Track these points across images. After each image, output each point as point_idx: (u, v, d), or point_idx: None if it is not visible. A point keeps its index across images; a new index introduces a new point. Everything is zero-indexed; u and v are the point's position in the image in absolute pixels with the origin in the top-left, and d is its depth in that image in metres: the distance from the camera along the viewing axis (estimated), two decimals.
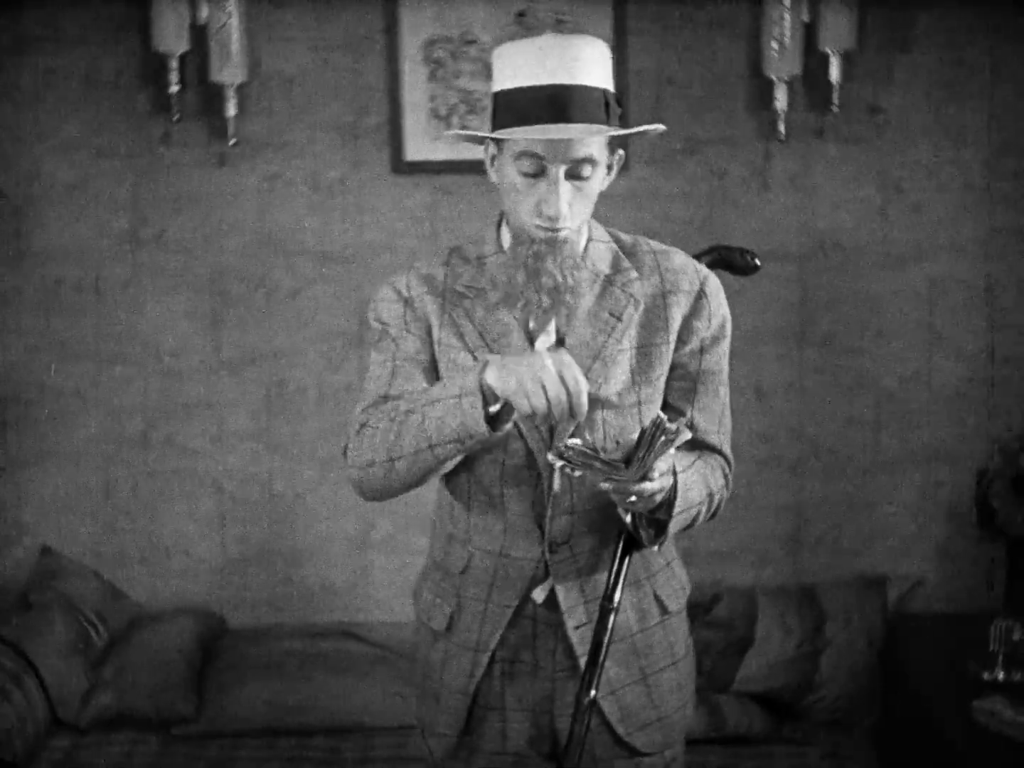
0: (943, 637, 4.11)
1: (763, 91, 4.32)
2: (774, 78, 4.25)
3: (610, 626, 2.44)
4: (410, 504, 4.28)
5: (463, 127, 4.25)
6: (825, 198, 4.41)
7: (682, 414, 2.46)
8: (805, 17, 4.24)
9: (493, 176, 2.45)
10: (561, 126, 2.32)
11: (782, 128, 4.30)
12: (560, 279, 2.41)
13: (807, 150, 4.40)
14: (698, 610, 4.34)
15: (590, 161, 2.36)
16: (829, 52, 4.24)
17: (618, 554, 2.47)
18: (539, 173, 2.38)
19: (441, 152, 4.25)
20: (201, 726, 4.09)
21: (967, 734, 3.52)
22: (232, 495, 4.58)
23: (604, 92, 2.38)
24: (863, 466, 4.49)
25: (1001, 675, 3.74)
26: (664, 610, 2.57)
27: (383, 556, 4.55)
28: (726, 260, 2.77)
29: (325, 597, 4.60)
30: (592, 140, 2.35)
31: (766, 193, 4.41)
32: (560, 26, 3.96)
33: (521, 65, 2.37)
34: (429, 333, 2.51)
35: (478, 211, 4.18)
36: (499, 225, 2.51)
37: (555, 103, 2.34)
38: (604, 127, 2.35)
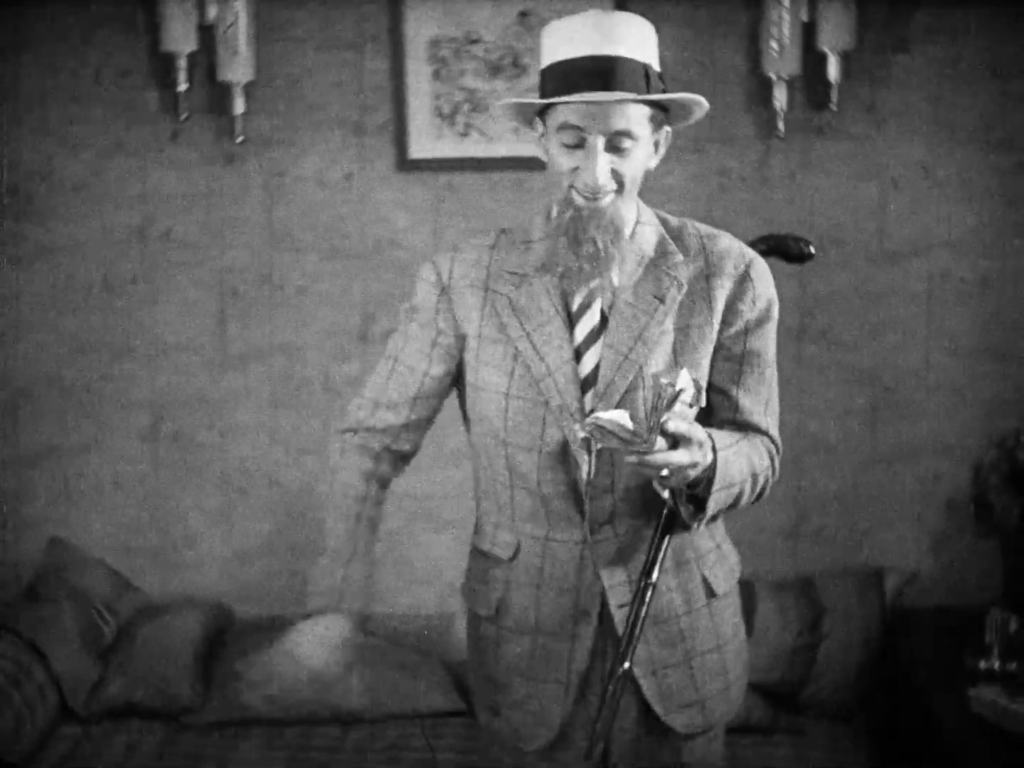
0: (940, 629, 4.13)
1: (763, 90, 4.33)
2: (773, 77, 4.25)
3: (648, 600, 2.45)
4: (415, 499, 4.30)
5: (467, 125, 4.28)
6: (824, 195, 4.41)
7: (728, 396, 2.48)
8: (804, 17, 4.23)
9: (543, 155, 2.47)
10: (599, 94, 2.34)
11: (781, 126, 4.30)
12: (600, 245, 2.42)
13: (806, 148, 4.40)
14: None
15: (628, 134, 2.37)
16: (828, 52, 4.23)
17: (658, 531, 2.47)
18: (579, 144, 2.39)
19: (445, 150, 4.28)
20: (208, 716, 4.11)
21: (963, 723, 3.57)
22: (239, 487, 4.59)
23: (646, 67, 2.39)
24: (861, 460, 4.50)
25: (997, 664, 3.76)
26: (711, 592, 2.58)
27: (388, 550, 4.45)
28: (780, 249, 2.77)
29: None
30: (631, 113, 2.36)
31: (766, 190, 4.41)
32: None
33: (566, 39, 2.40)
34: (459, 327, 2.55)
35: (481, 207, 4.29)
36: (548, 213, 2.52)
37: (595, 72, 2.37)
38: (638, 96, 2.35)
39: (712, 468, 2.33)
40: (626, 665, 2.43)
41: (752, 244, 2.70)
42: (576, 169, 2.39)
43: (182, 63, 4.29)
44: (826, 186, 4.40)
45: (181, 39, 4.26)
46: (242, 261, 4.51)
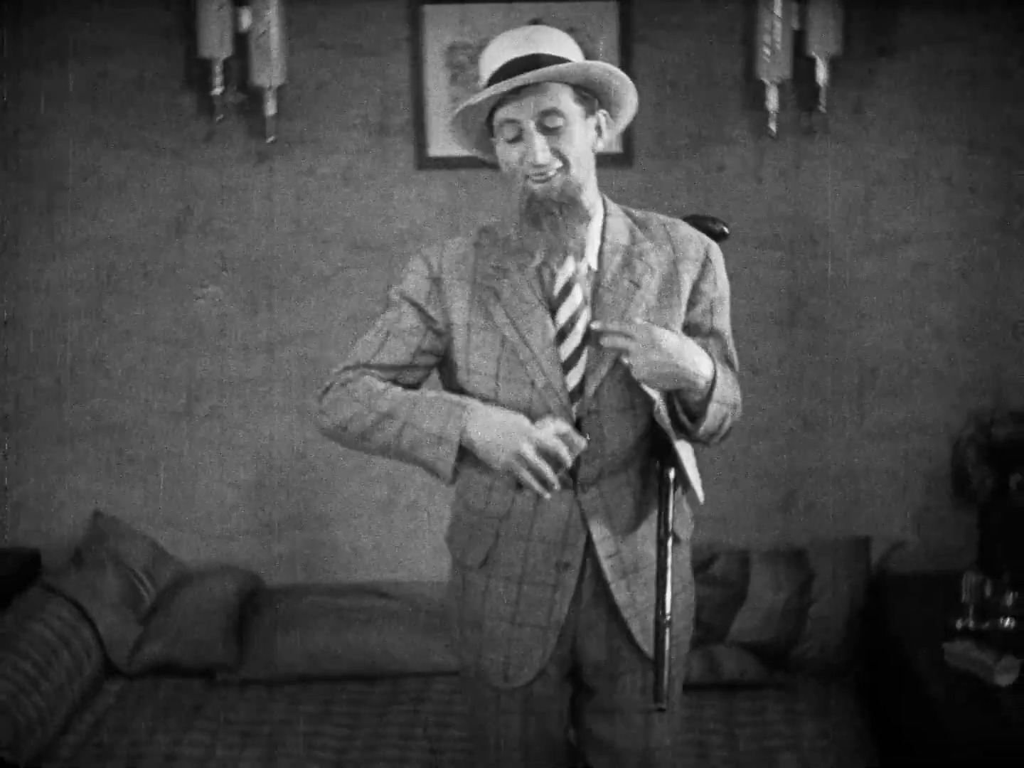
0: (921, 593, 4.17)
1: (756, 93, 4.33)
2: (766, 81, 4.27)
3: (668, 554, 2.59)
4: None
5: None
6: (813, 190, 4.42)
7: None
8: (795, 25, 4.24)
9: (501, 164, 2.59)
10: (519, 77, 2.47)
11: (773, 127, 4.31)
12: (559, 216, 2.54)
13: (797, 147, 4.40)
14: (697, 569, 4.22)
15: (555, 111, 2.49)
16: (816, 57, 4.24)
17: (663, 497, 2.61)
18: (519, 136, 2.52)
19: (461, 149, 4.40)
20: (241, 673, 4.17)
21: (938, 674, 3.64)
22: (269, 463, 4.59)
23: (563, 59, 2.51)
24: (849, 437, 4.51)
25: (972, 624, 3.85)
26: (676, 539, 2.67)
27: (408, 520, 4.59)
28: (701, 228, 2.82)
29: (354, 558, 4.62)
30: (555, 93, 2.49)
31: (759, 186, 4.42)
32: (571, 35, 4.16)
33: (496, 56, 2.55)
34: (448, 316, 2.63)
35: (494, 201, 4.18)
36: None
37: (517, 67, 2.49)
38: (551, 69, 2.46)
39: (712, 379, 2.54)
40: (668, 615, 2.57)
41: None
42: (522, 159, 2.51)
43: (218, 68, 4.30)
44: (815, 182, 4.41)
45: (217, 46, 4.27)
46: (272, 252, 4.51)
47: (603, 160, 2.74)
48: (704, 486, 2.82)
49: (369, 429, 2.58)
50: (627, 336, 2.51)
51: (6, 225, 4.53)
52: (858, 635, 4.24)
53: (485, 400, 2.60)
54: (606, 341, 2.53)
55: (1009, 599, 3.89)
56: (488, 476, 2.67)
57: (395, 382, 2.63)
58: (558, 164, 2.52)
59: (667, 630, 2.58)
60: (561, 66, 2.49)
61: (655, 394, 2.58)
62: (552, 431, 2.50)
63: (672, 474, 2.64)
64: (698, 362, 2.55)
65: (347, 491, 4.62)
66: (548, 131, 2.51)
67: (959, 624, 3.87)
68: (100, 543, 4.50)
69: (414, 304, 2.65)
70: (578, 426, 2.59)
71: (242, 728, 3.91)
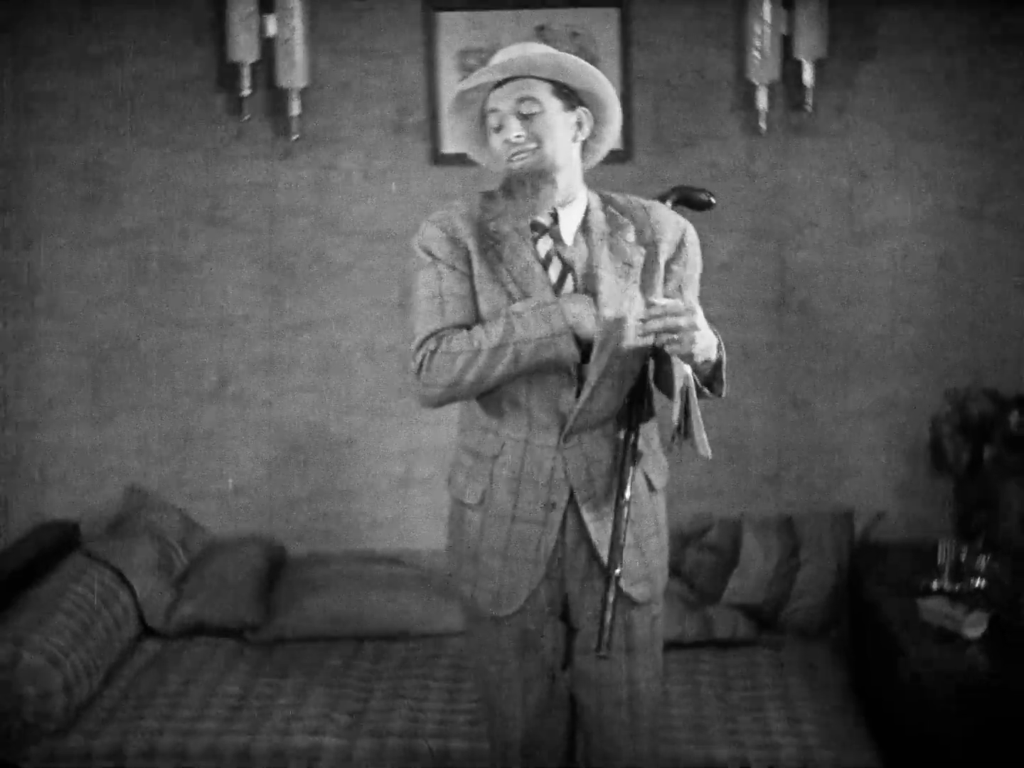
0: (900, 558, 4.27)
1: (747, 93, 4.41)
2: (756, 82, 4.34)
3: (626, 517, 2.71)
4: (448, 450, 4.44)
5: None
6: (800, 184, 4.48)
7: None
8: (783, 30, 4.31)
9: (491, 154, 2.76)
10: (497, 64, 2.66)
11: (763, 125, 4.39)
12: (529, 186, 2.70)
13: (785, 144, 4.47)
14: (693, 537, 4.45)
15: (531, 99, 2.67)
16: (803, 60, 4.31)
17: (625, 461, 2.72)
18: (502, 124, 2.70)
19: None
20: (268, 633, 4.26)
21: (912, 627, 3.76)
22: (293, 441, 4.66)
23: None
24: (834, 415, 4.59)
25: (946, 585, 3.95)
26: (651, 487, 2.85)
27: (423, 493, 4.66)
28: (687, 198, 2.97)
29: (372, 529, 4.69)
30: (532, 85, 2.68)
31: (750, 180, 4.48)
32: (574, 39, 4.24)
33: (494, 60, 2.75)
34: (470, 265, 2.76)
35: None
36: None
37: (502, 66, 2.68)
38: (523, 56, 2.63)
39: (720, 347, 2.69)
40: (617, 571, 2.68)
41: (666, 194, 2.96)
42: (504, 143, 2.70)
43: (246, 71, 4.38)
44: (802, 177, 4.48)
45: (245, 50, 4.35)
46: (296, 243, 4.58)
47: (605, 159, 2.86)
48: (699, 462, 2.98)
49: (484, 369, 2.69)
50: (678, 315, 2.60)
51: (47, 217, 4.62)
52: (841, 597, 4.31)
53: None
54: (656, 324, 2.60)
55: (982, 562, 3.97)
56: (485, 419, 2.81)
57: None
58: (532, 145, 2.68)
59: (616, 583, 2.67)
60: (533, 55, 2.66)
61: (686, 367, 2.68)
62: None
63: (630, 437, 2.77)
64: (713, 332, 2.70)
65: (366, 467, 4.69)
66: (524, 117, 2.68)
67: (934, 585, 3.96)
68: (135, 515, 4.59)
69: (446, 263, 2.75)
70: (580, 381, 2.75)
71: (269, 683, 4.00)
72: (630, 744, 2.95)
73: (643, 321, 2.62)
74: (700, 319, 2.63)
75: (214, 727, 3.77)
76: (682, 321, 2.59)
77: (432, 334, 2.73)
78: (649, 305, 2.63)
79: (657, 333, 2.62)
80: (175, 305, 4.66)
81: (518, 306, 2.70)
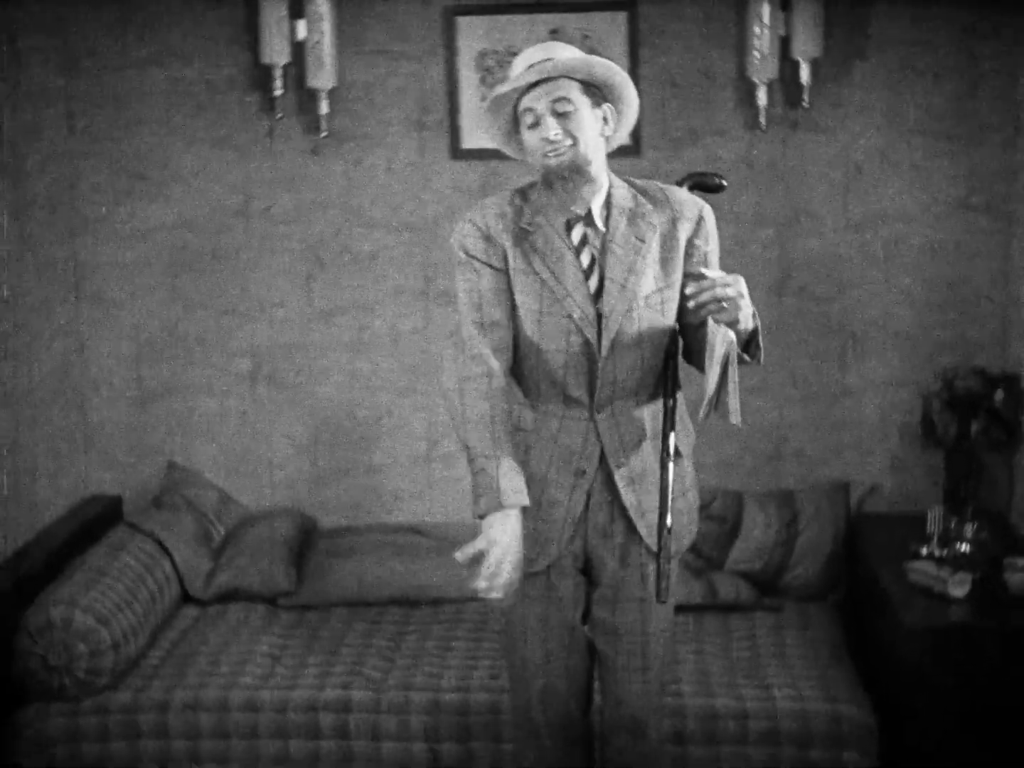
0: (892, 527, 4.36)
1: (747, 91, 4.47)
2: (756, 80, 4.41)
3: (670, 474, 2.81)
4: None
5: None
6: (799, 177, 4.55)
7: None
8: (781, 31, 4.37)
9: (525, 148, 2.85)
10: (534, 68, 2.78)
11: (763, 121, 4.46)
12: (569, 181, 2.79)
13: (784, 138, 4.53)
14: (700, 508, 4.52)
15: (565, 99, 2.77)
16: (800, 59, 4.38)
17: (666, 421, 2.85)
18: (537, 122, 2.80)
19: (490, 141, 4.14)
20: (300, 599, 4.40)
21: (901, 588, 3.88)
22: (323, 420, 4.76)
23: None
24: (832, 393, 4.66)
25: (935, 551, 4.04)
26: (677, 454, 2.93)
27: (445, 469, 4.77)
28: (701, 183, 3.13)
29: (397, 502, 4.80)
30: (564, 86, 2.78)
31: (751, 173, 4.55)
32: (585, 41, 4.33)
33: (520, 61, 2.86)
34: (506, 261, 2.87)
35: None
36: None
37: (537, 65, 2.80)
38: (559, 61, 2.73)
39: (754, 316, 2.76)
40: (668, 522, 2.81)
41: (682, 180, 3.11)
42: (541, 140, 2.79)
43: (278, 73, 4.47)
44: (800, 169, 4.55)
45: (277, 53, 4.45)
46: (325, 234, 4.68)
47: (615, 151, 2.95)
48: (705, 437, 3.05)
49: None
50: (727, 285, 2.64)
51: (93, 210, 4.73)
52: (838, 564, 4.44)
53: (530, 332, 2.87)
54: (706, 296, 2.62)
55: (968, 529, 4.07)
56: (521, 396, 2.95)
57: (511, 327, 2.88)
58: (568, 142, 2.80)
59: (669, 537, 2.81)
60: (568, 60, 2.79)
61: (731, 333, 2.73)
62: (509, 568, 2.75)
63: (672, 404, 2.91)
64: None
65: (391, 444, 4.80)
66: (559, 115, 2.79)
67: (924, 551, 4.07)
68: (175, 490, 4.73)
69: (481, 260, 2.87)
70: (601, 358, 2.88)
71: (301, 644, 4.13)
72: (641, 688, 3.06)
73: (693, 295, 2.63)
74: (743, 287, 2.69)
75: (252, 682, 3.94)
76: (730, 291, 2.65)
77: (471, 337, 2.87)
78: (699, 277, 2.65)
79: (707, 304, 2.65)
80: (212, 293, 4.77)
81: (500, 464, 2.81)
